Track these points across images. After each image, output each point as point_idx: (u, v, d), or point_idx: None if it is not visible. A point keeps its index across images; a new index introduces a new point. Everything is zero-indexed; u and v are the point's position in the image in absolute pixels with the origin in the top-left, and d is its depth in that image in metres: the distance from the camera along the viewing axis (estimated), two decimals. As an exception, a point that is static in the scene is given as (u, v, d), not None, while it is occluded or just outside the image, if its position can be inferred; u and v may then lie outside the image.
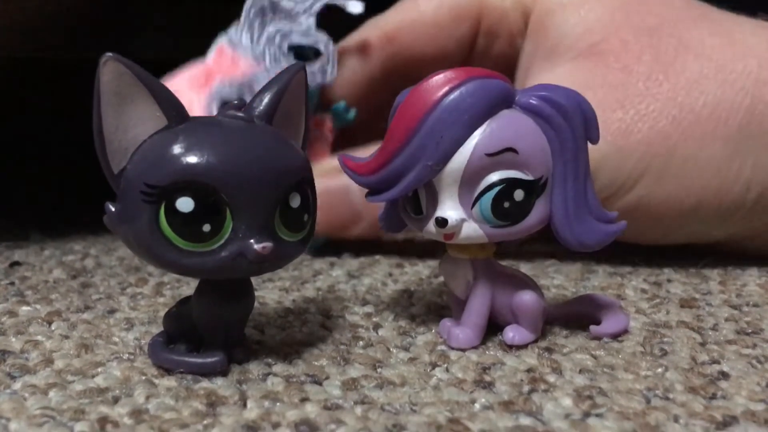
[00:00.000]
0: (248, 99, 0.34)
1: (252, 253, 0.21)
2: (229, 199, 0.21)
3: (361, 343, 0.26)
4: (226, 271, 0.22)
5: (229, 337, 0.23)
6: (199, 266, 0.21)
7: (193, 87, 0.36)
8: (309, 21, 0.37)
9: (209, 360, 0.23)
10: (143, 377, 0.23)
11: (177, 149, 0.21)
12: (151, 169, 0.21)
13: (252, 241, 0.21)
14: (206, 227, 0.21)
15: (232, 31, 0.37)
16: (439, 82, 0.23)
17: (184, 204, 0.21)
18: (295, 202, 0.22)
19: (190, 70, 0.37)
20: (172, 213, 0.21)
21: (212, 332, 0.23)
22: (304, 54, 0.37)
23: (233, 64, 0.36)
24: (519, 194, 0.23)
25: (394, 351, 0.25)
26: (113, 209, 0.22)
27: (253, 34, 0.36)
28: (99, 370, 0.23)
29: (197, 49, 0.39)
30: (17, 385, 0.22)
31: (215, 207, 0.21)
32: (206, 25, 0.47)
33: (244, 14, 0.37)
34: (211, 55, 0.37)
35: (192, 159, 0.21)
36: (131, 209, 0.21)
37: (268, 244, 0.21)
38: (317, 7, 0.37)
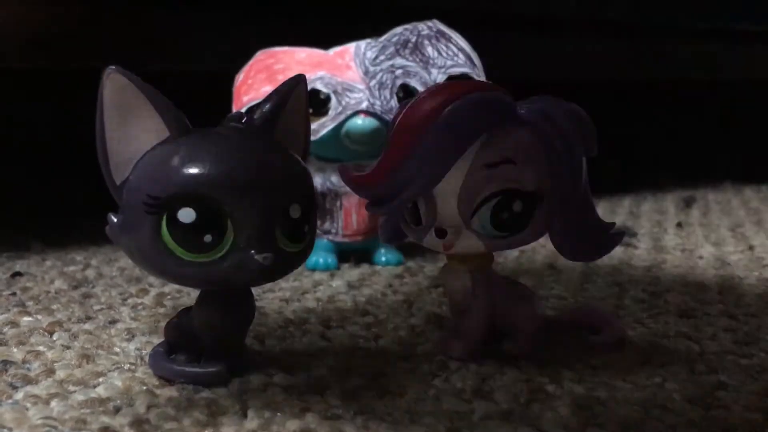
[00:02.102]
0: (333, 99, 0.36)
1: (253, 263, 0.21)
2: (230, 210, 0.21)
3: (361, 353, 0.26)
4: (227, 281, 0.22)
5: (229, 348, 0.23)
6: (200, 276, 0.21)
7: (305, 64, 0.37)
8: (437, 77, 0.38)
9: (210, 370, 0.23)
10: (144, 387, 0.23)
11: (179, 161, 0.21)
12: (153, 180, 0.21)
13: (253, 251, 0.21)
14: (207, 238, 0.21)
15: (364, 42, 0.38)
16: (438, 95, 0.23)
17: (186, 215, 0.21)
18: (296, 212, 0.22)
19: (313, 50, 0.38)
20: (174, 224, 0.21)
21: (213, 342, 0.23)
22: (409, 97, 0.38)
23: (345, 66, 0.37)
24: (517, 205, 0.23)
25: (394, 361, 0.25)
26: (115, 220, 0.22)
27: (379, 56, 0.37)
28: (100, 380, 0.23)
29: (201, 60, 0.39)
30: (19, 396, 0.22)
31: (216, 218, 0.21)
32: (210, 38, 0.48)
33: (386, 36, 0.38)
34: (335, 49, 0.38)
35: (193, 170, 0.21)
36: (133, 220, 0.21)
37: (269, 255, 0.21)
38: (453, 71, 0.38)
